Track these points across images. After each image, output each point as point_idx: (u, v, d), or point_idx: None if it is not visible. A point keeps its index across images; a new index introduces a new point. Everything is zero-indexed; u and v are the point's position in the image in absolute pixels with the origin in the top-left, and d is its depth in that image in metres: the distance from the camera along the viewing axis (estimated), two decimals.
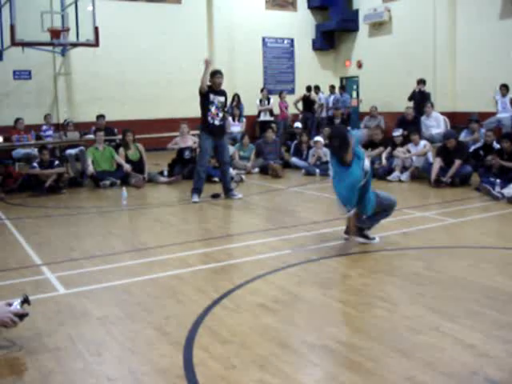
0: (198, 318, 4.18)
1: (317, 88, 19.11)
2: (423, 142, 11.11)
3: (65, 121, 15.62)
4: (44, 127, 14.88)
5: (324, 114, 18.32)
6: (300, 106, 18.84)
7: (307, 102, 18.75)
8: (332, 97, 18.81)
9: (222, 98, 9.54)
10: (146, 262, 5.86)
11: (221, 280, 5.16)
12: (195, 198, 9.32)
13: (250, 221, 7.98)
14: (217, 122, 9.38)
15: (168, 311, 4.39)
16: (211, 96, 9.35)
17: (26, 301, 3.85)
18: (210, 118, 9.32)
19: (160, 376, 3.36)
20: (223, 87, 9.63)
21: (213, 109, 9.35)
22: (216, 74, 9.50)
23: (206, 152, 9.44)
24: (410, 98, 15.40)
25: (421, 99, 14.77)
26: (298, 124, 15.39)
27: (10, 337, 3.84)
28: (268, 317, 4.22)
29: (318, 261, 5.67)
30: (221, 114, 9.47)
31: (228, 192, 9.62)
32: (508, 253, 5.80)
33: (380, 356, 3.51)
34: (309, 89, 18.80)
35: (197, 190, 9.41)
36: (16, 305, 3.80)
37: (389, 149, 11.47)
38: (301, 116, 18.49)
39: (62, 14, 15.26)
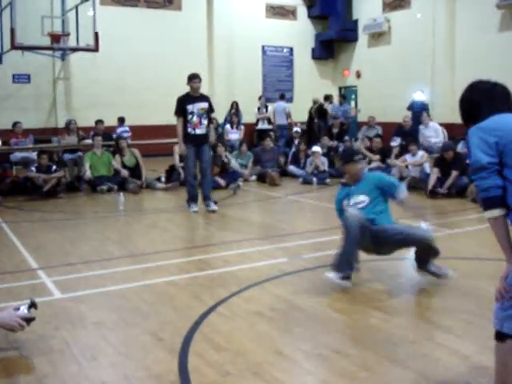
0: (193, 325, 4.19)
1: (327, 98, 19.18)
2: (421, 153, 11.15)
3: (67, 120, 15.24)
4: (119, 129, 15.06)
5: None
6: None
7: (321, 110, 18.85)
8: (330, 106, 18.81)
9: (204, 104, 9.05)
10: (143, 267, 5.87)
11: (217, 287, 5.17)
12: (194, 208, 9.02)
13: (247, 228, 7.98)
14: (198, 131, 8.97)
15: (163, 317, 4.40)
16: (189, 107, 8.92)
17: (33, 305, 3.88)
18: (190, 129, 8.93)
19: (154, 382, 3.36)
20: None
21: (194, 118, 8.93)
22: (193, 78, 9.09)
23: (190, 159, 9.03)
24: (409, 108, 15.47)
25: (419, 109, 14.83)
26: (297, 129, 15.51)
27: (10, 339, 3.86)
28: (263, 324, 4.23)
29: (314, 269, 5.68)
30: (205, 121, 9.03)
31: (205, 200, 9.17)
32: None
33: (374, 365, 3.52)
34: (326, 98, 18.93)
35: (192, 199, 9.12)
36: (23, 309, 3.83)
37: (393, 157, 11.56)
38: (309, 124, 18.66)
39: (62, 18, 15.31)
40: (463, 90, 3.00)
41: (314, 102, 19.06)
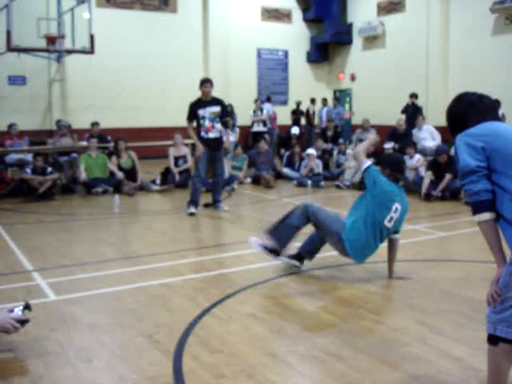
0: (187, 327, 4.20)
1: (312, 101, 19.32)
2: (417, 156, 11.20)
3: (58, 122, 15.09)
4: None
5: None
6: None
7: (307, 114, 19.02)
8: (324, 109, 18.88)
9: (215, 108, 9.11)
10: (137, 269, 5.88)
11: (211, 289, 5.19)
12: (192, 210, 9.02)
13: (242, 231, 8.00)
14: (211, 135, 9.05)
15: (158, 319, 4.41)
16: (200, 112, 9.02)
17: (27, 307, 3.89)
18: (203, 133, 9.02)
19: None
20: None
21: (206, 123, 9.01)
22: (204, 82, 9.11)
23: (202, 164, 9.09)
24: (403, 111, 15.51)
25: (413, 113, 14.88)
26: (294, 130, 15.78)
27: (4, 341, 3.87)
28: (258, 327, 4.25)
29: (309, 271, 5.71)
30: (218, 125, 9.11)
31: (215, 203, 9.42)
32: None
33: (368, 367, 3.54)
34: (312, 101, 19.09)
35: (193, 202, 9.11)
36: (17, 311, 3.83)
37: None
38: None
39: (58, 20, 15.32)
40: (450, 102, 3.05)
41: (297, 104, 19.18)
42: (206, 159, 9.13)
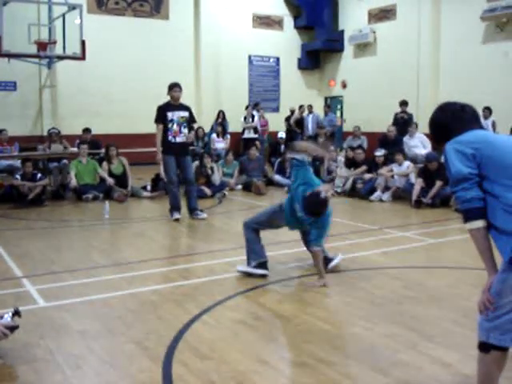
0: (177, 334, 4.20)
1: (300, 108, 19.29)
2: (407, 163, 11.23)
3: (49, 130, 14.97)
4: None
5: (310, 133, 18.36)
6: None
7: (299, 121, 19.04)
8: (310, 116, 18.74)
9: (184, 113, 9.09)
10: (127, 276, 5.86)
11: (201, 296, 5.18)
12: (176, 216, 9.01)
13: (232, 237, 7.98)
14: (178, 140, 8.98)
15: (148, 326, 4.40)
16: (169, 114, 8.98)
17: (16, 313, 3.87)
18: (170, 137, 8.94)
19: None
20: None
21: (174, 126, 8.95)
22: (174, 87, 9.15)
23: (170, 170, 9.01)
24: (394, 124, 15.45)
25: (403, 122, 14.90)
26: (281, 134, 15.89)
27: None
28: (247, 333, 4.24)
29: (299, 278, 5.71)
30: (185, 130, 9.05)
31: (192, 212, 9.23)
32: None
33: (358, 374, 3.55)
34: (299, 108, 19.08)
35: (175, 208, 9.09)
36: (7, 317, 3.82)
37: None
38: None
39: (49, 26, 15.30)
40: (433, 112, 3.06)
41: (292, 112, 19.14)
42: (173, 165, 9.04)
